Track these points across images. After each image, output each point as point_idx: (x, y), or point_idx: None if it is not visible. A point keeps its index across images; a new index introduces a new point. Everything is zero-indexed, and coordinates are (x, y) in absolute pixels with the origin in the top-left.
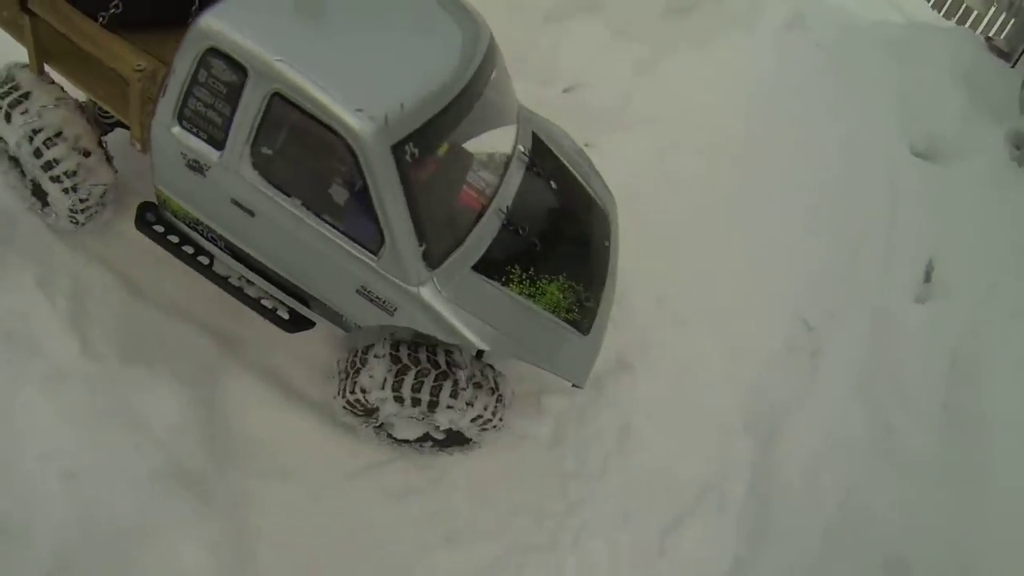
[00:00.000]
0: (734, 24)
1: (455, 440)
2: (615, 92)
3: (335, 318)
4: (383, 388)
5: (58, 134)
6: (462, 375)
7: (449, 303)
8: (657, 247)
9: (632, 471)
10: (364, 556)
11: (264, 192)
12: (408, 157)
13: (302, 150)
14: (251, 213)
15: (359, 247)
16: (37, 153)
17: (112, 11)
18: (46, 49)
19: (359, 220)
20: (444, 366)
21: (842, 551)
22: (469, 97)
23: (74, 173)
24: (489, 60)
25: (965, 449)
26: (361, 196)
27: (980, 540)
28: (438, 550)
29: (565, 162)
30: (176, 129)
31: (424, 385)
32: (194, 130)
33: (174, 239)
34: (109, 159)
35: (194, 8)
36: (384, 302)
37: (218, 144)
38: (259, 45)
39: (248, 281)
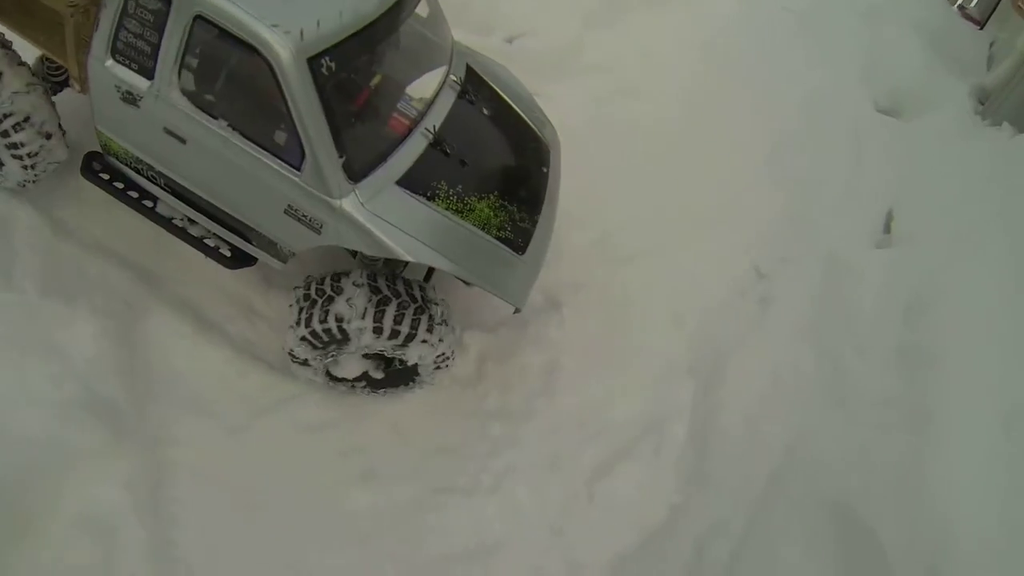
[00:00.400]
0: None
1: (396, 381)
2: (563, 42)
3: (270, 248)
4: (363, 318)
5: (26, 119)
6: (437, 310)
7: (373, 216)
8: (601, 190)
9: (560, 412)
10: (280, 490)
11: (192, 116)
12: (324, 71)
13: (225, 71)
14: (182, 140)
15: (282, 163)
16: (4, 134)
17: None
18: None
19: (281, 137)
20: (420, 300)
21: (785, 498)
22: (389, 23)
23: (35, 154)
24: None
25: (917, 392)
26: (282, 113)
27: (929, 484)
28: (354, 486)
29: (500, 91)
30: (109, 62)
31: (405, 317)
32: (126, 62)
33: (119, 185)
34: (64, 135)
35: None
36: (310, 220)
37: (148, 73)
38: None
39: (191, 221)
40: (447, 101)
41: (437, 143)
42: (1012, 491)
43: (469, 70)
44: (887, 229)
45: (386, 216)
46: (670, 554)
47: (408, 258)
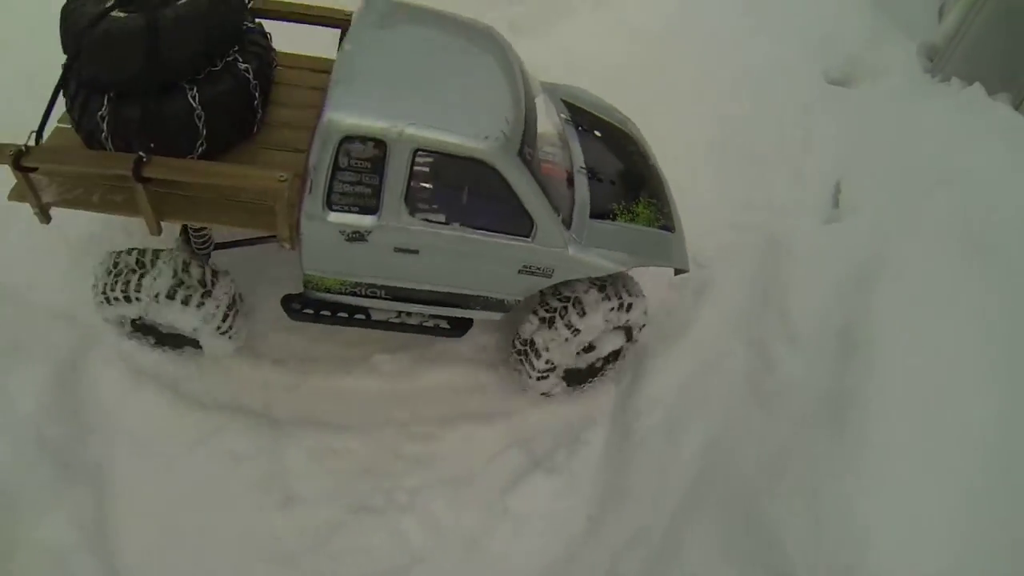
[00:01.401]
0: None
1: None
2: None
3: (496, 305)
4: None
5: (233, 302)
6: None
7: (588, 248)
8: None
9: (475, 425)
10: (211, 517)
11: (426, 230)
12: (527, 156)
13: (448, 184)
14: (415, 252)
15: (515, 237)
16: (219, 328)
17: (199, 149)
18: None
19: (509, 218)
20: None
21: (701, 505)
22: (531, 102)
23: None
24: (521, 64)
25: (845, 385)
26: (505, 200)
27: (844, 487)
28: (278, 511)
29: (593, 111)
30: (331, 216)
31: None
32: (346, 208)
33: (327, 313)
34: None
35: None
36: (543, 270)
37: (371, 210)
38: (387, 120)
39: (407, 313)
40: (573, 138)
41: (592, 175)
42: (932, 494)
43: (566, 104)
44: (836, 203)
45: (596, 245)
46: (588, 566)
47: (620, 269)
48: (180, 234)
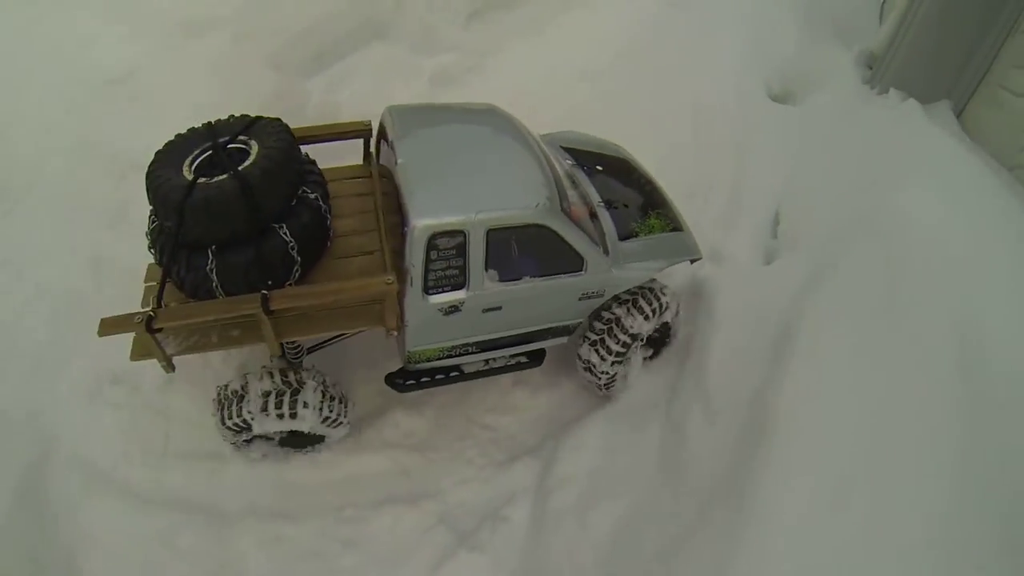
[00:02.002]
0: (570, 5)
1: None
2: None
3: (563, 331)
4: (648, 320)
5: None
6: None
7: (625, 266)
8: None
9: (403, 507)
10: None
11: (506, 288)
12: (566, 211)
13: (515, 248)
14: (499, 308)
15: (572, 274)
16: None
17: (296, 274)
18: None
19: (564, 261)
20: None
21: None
22: (548, 158)
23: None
24: (527, 130)
25: (750, 459)
26: (559, 248)
27: (746, 569)
28: None
29: (589, 149)
30: (431, 299)
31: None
32: (440, 290)
33: (426, 379)
34: None
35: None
36: (596, 292)
37: (461, 285)
38: (461, 214)
39: (492, 359)
40: (583, 178)
41: (609, 205)
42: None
43: (566, 150)
44: (775, 234)
45: (629, 261)
46: None
47: (652, 275)
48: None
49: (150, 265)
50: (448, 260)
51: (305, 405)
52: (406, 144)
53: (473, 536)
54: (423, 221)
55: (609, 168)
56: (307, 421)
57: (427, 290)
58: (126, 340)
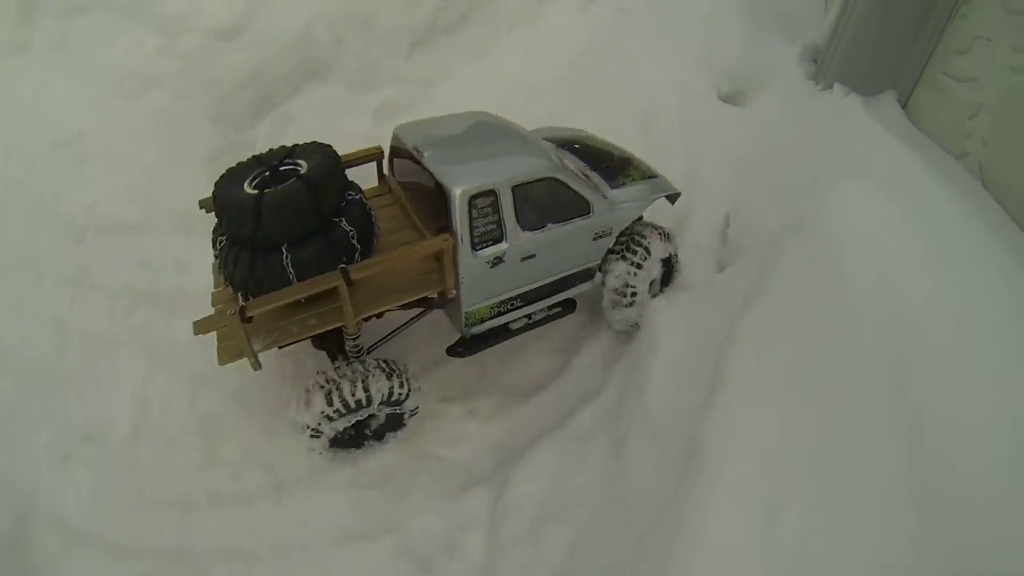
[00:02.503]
0: (515, 24)
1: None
2: (359, 145)
3: (586, 275)
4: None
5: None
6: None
7: (621, 204)
8: None
9: (363, 543)
10: None
11: (535, 237)
12: (567, 167)
13: (536, 201)
14: (534, 256)
15: (583, 217)
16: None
17: (357, 260)
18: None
19: (575, 207)
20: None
21: None
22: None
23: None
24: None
25: (685, 487)
26: (569, 197)
27: None
28: None
29: (563, 135)
30: (478, 253)
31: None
32: (484, 245)
33: (482, 341)
34: None
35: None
36: (605, 231)
37: (499, 239)
38: (488, 177)
39: (532, 314)
40: (567, 156)
41: (595, 168)
42: None
43: (556, 137)
44: (724, 240)
45: (624, 201)
46: None
47: (645, 208)
48: (332, 360)
49: (214, 293)
50: (486, 218)
51: (367, 389)
52: (426, 143)
53: (431, 566)
54: (460, 187)
55: (584, 145)
56: (376, 400)
57: (474, 246)
58: (93, 399)
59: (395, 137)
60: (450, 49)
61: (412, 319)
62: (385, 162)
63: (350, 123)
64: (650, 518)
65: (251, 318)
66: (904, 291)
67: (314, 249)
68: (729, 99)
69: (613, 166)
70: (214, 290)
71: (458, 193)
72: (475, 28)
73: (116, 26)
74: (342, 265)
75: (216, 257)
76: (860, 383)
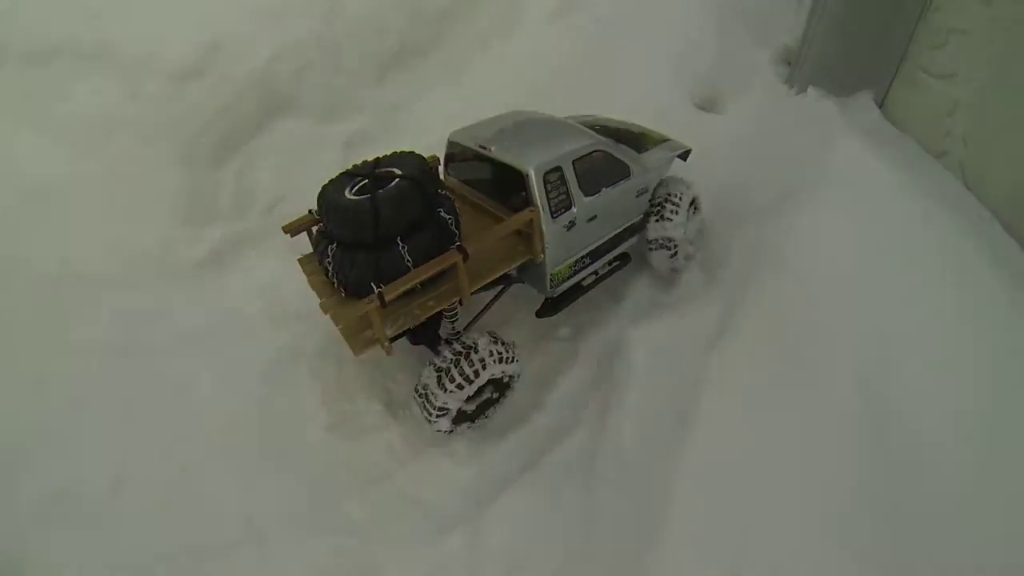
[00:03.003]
0: (488, 41)
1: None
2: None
3: (636, 230)
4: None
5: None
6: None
7: (651, 164)
8: None
9: None
10: None
11: (595, 200)
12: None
13: (589, 170)
14: (596, 217)
15: (626, 179)
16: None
17: (456, 242)
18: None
19: (618, 171)
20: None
21: None
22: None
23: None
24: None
25: (651, 527)
26: (614, 164)
27: None
28: None
29: (592, 119)
30: (556, 219)
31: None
32: (559, 213)
33: (561, 301)
34: None
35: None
36: (644, 189)
37: (569, 206)
38: (551, 154)
39: (597, 271)
40: (593, 133)
41: (620, 141)
42: None
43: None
44: (700, 263)
45: (651, 162)
46: None
47: (670, 164)
48: (430, 346)
49: (322, 302)
50: (557, 190)
51: (483, 360)
52: (488, 140)
53: None
54: (534, 166)
55: (604, 126)
56: (489, 369)
57: (552, 214)
58: (70, 454)
59: (451, 144)
60: (422, 72)
61: (493, 299)
62: (441, 168)
63: (320, 156)
64: (621, 565)
65: (386, 303)
66: (881, 333)
67: (425, 237)
68: (706, 107)
69: (633, 138)
70: (321, 300)
71: (533, 172)
72: (447, 48)
73: (78, 73)
74: (458, 243)
75: (328, 267)
76: (831, 433)
